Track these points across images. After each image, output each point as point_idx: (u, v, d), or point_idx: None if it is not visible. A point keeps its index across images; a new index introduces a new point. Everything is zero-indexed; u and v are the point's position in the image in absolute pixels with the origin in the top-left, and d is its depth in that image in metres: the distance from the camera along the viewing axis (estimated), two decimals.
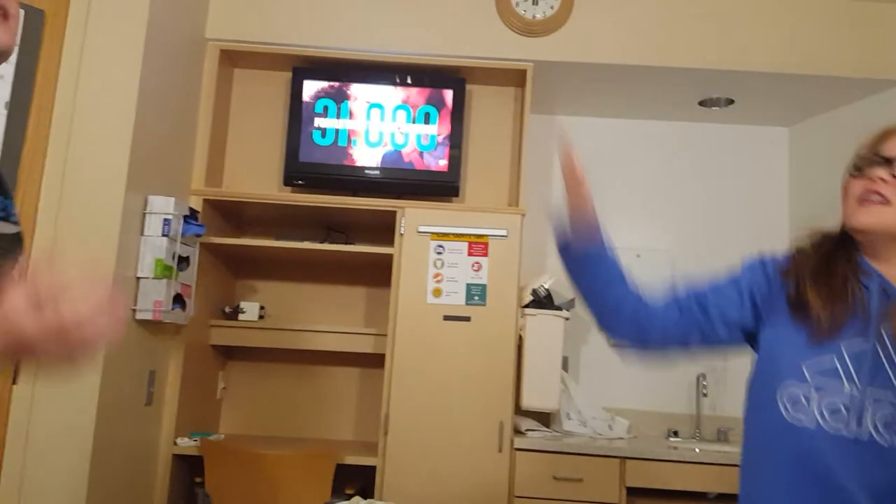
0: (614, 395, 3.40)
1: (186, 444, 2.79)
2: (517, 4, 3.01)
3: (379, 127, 3.06)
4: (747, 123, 3.58)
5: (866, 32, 3.01)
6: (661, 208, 3.54)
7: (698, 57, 3.02)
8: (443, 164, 3.04)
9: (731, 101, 3.32)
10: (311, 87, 3.08)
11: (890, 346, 1.17)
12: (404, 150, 3.05)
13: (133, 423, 2.55)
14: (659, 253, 3.46)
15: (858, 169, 1.29)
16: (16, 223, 0.97)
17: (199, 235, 2.77)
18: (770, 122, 3.54)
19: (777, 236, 3.53)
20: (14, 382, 2.25)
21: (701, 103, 3.36)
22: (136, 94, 2.44)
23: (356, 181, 3.04)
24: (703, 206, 3.54)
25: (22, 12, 2.26)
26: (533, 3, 3.01)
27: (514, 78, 3.17)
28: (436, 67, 3.09)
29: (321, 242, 3.03)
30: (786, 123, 3.56)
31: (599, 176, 3.57)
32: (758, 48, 3.01)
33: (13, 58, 2.23)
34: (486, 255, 2.86)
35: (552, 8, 3.01)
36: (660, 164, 3.57)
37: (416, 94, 3.07)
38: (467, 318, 2.83)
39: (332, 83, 3.08)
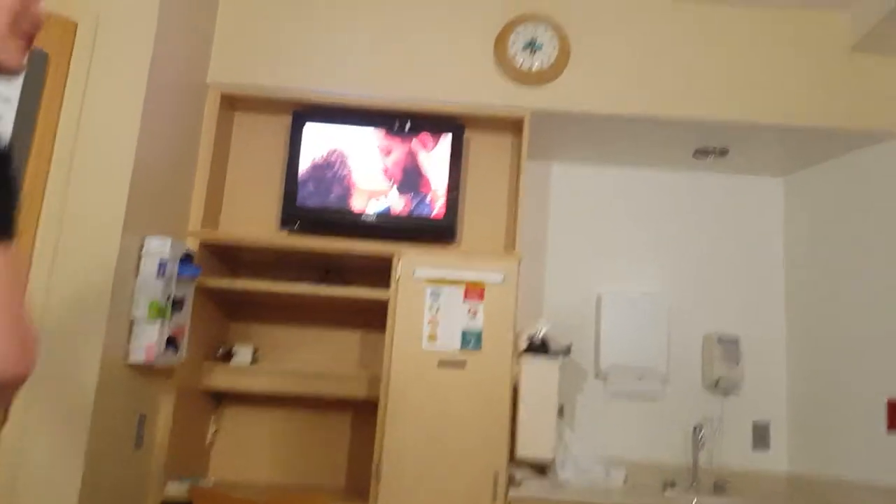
0: (610, 444, 3.36)
1: (176, 490, 2.74)
2: (514, 55, 3.06)
3: (377, 171, 3.08)
4: (742, 173, 3.61)
5: (859, 85, 3.06)
6: (658, 255, 3.55)
7: (693, 108, 3.06)
8: (440, 208, 3.05)
9: (725, 152, 3.36)
10: (310, 131, 3.11)
11: None
12: (402, 195, 3.06)
13: (122, 466, 2.51)
14: (656, 299, 3.45)
15: None
16: None
17: (194, 277, 2.77)
18: (764, 172, 3.58)
19: (773, 286, 3.53)
20: (2, 424, 2.22)
21: (696, 153, 3.40)
22: (137, 136, 2.45)
23: (353, 225, 3.05)
24: (700, 254, 3.55)
25: None
26: (530, 54, 3.06)
27: (512, 125, 3.20)
28: (435, 114, 3.12)
29: (317, 285, 3.02)
30: (780, 174, 3.59)
31: (596, 222, 3.58)
32: (752, 99, 3.06)
33: (14, 98, 2.25)
34: (481, 299, 2.86)
35: (549, 59, 3.06)
36: (656, 211, 3.59)
37: (414, 140, 3.10)
38: (462, 365, 2.81)
39: (331, 126, 3.11)
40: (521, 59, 3.06)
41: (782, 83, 3.07)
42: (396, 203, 3.05)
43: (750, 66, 3.09)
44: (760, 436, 3.38)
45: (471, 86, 3.08)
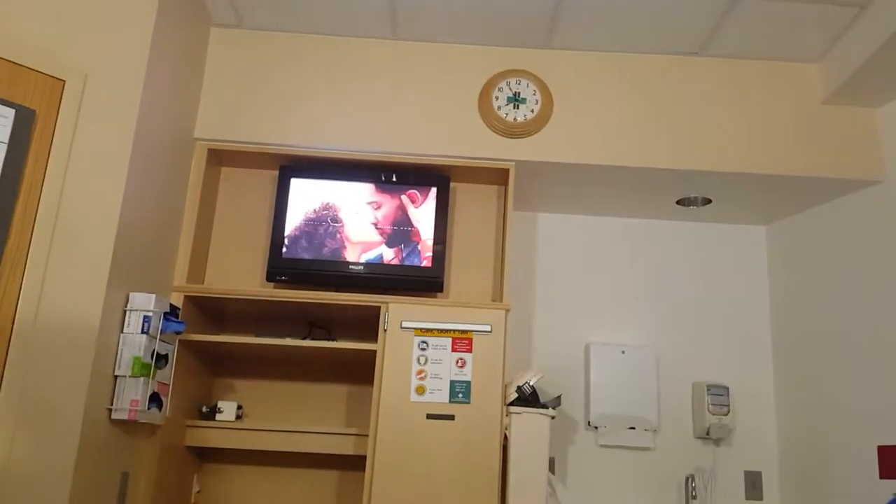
0: (602, 497, 3.31)
1: None
2: (499, 108, 3.11)
3: (364, 223, 3.09)
4: (725, 222, 3.65)
5: (838, 134, 3.13)
6: (645, 305, 3.56)
7: (675, 158, 3.10)
8: (427, 259, 3.05)
9: (708, 201, 3.40)
10: (297, 185, 3.12)
11: None
12: (389, 246, 3.07)
13: None
14: (643, 349, 3.45)
15: None
16: None
17: (178, 333, 2.74)
18: (747, 220, 3.62)
19: (760, 333, 3.54)
20: None
21: (679, 202, 3.44)
22: (122, 192, 2.45)
23: (340, 277, 3.04)
24: (686, 303, 3.56)
25: (13, 111, 2.29)
26: (514, 108, 3.11)
27: (497, 176, 3.23)
28: (421, 166, 3.15)
29: (303, 339, 2.99)
30: (763, 222, 3.63)
31: (583, 272, 3.60)
32: (733, 150, 3.11)
33: (0, 155, 2.24)
34: (470, 350, 2.84)
35: (532, 111, 3.11)
36: (641, 260, 3.62)
37: (401, 192, 3.12)
38: (451, 417, 2.78)
39: (318, 181, 3.13)
40: (506, 113, 3.10)
41: (760, 134, 3.13)
42: (383, 254, 3.06)
43: (729, 116, 3.15)
44: (753, 485, 3.34)
45: (456, 138, 3.11)
